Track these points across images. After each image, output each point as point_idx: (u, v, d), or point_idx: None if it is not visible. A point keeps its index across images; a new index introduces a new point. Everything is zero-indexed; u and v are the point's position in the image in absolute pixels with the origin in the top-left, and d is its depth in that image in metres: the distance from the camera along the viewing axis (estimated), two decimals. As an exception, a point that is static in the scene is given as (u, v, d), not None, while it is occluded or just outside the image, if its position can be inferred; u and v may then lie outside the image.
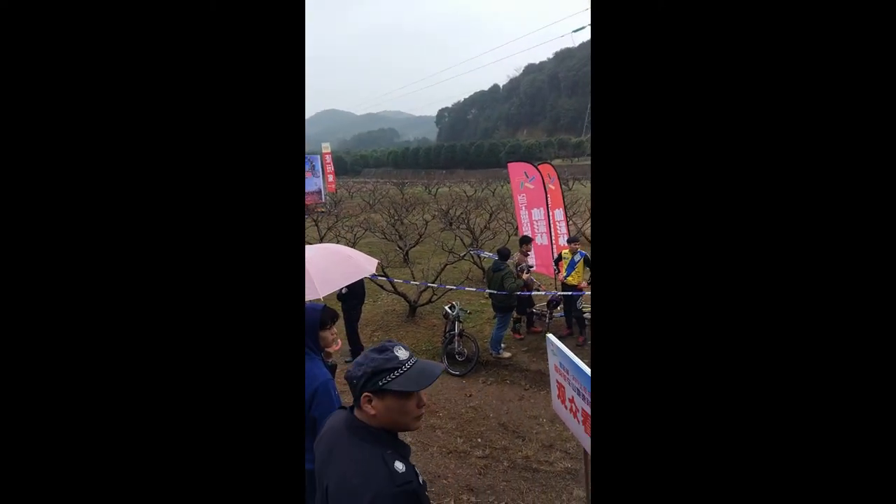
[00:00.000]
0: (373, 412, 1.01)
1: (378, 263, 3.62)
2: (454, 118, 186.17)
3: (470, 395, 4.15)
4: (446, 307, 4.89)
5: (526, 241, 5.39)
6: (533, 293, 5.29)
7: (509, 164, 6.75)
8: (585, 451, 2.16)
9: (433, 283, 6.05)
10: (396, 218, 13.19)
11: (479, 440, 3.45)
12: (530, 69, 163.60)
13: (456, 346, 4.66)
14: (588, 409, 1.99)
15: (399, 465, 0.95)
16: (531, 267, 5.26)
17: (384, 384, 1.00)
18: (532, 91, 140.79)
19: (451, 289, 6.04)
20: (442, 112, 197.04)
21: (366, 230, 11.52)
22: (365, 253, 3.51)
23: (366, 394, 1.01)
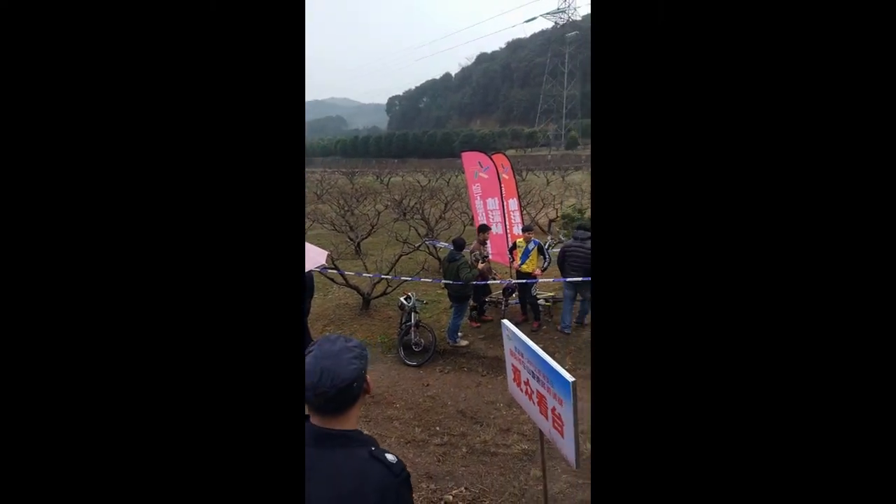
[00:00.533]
0: (368, 393, 1.03)
1: (328, 255, 3.50)
2: (405, 106, 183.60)
3: (427, 385, 4.16)
4: (402, 298, 4.85)
5: (484, 229, 5.43)
6: (489, 282, 5.36)
7: (463, 154, 6.74)
8: (541, 432, 2.22)
9: (387, 274, 5.97)
10: (346, 209, 12.85)
11: (438, 428, 3.47)
12: (482, 58, 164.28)
13: (413, 336, 4.64)
14: (543, 392, 2.04)
15: (390, 457, 0.94)
16: (486, 256, 5.33)
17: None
18: (485, 81, 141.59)
19: (407, 280, 5.99)
20: (392, 100, 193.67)
21: (313, 221, 11.12)
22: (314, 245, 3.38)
23: (365, 384, 1.01)
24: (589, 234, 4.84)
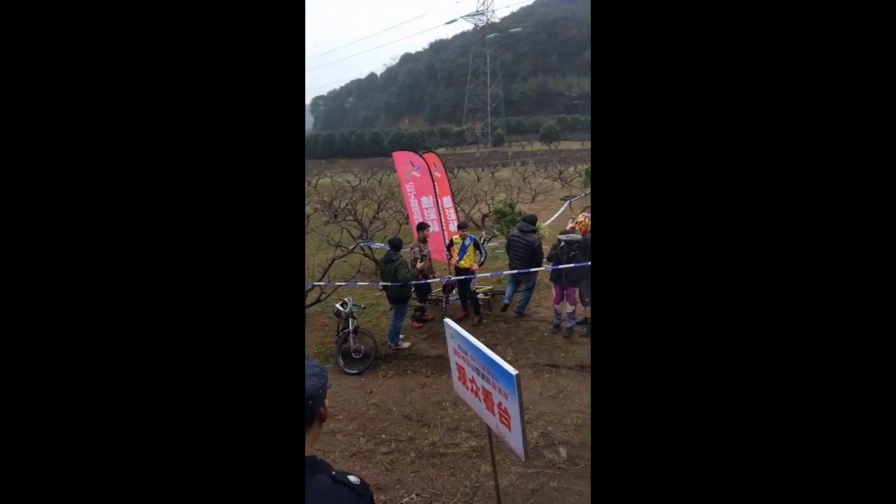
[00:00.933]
0: (324, 419, 1.00)
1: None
2: (331, 107, 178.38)
3: (370, 392, 4.01)
4: (337, 304, 4.63)
5: (423, 227, 5.36)
6: (430, 280, 5.32)
7: (394, 153, 6.61)
8: (489, 428, 2.21)
9: (320, 281, 5.67)
10: (274, 213, 12.06)
11: (384, 436, 3.36)
12: (407, 59, 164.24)
13: (352, 343, 4.45)
14: (488, 388, 2.03)
15: (353, 479, 0.91)
16: (426, 255, 5.27)
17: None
18: (410, 80, 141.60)
19: (342, 285, 5.74)
20: (317, 100, 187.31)
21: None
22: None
23: (322, 408, 0.98)
24: (532, 227, 4.99)
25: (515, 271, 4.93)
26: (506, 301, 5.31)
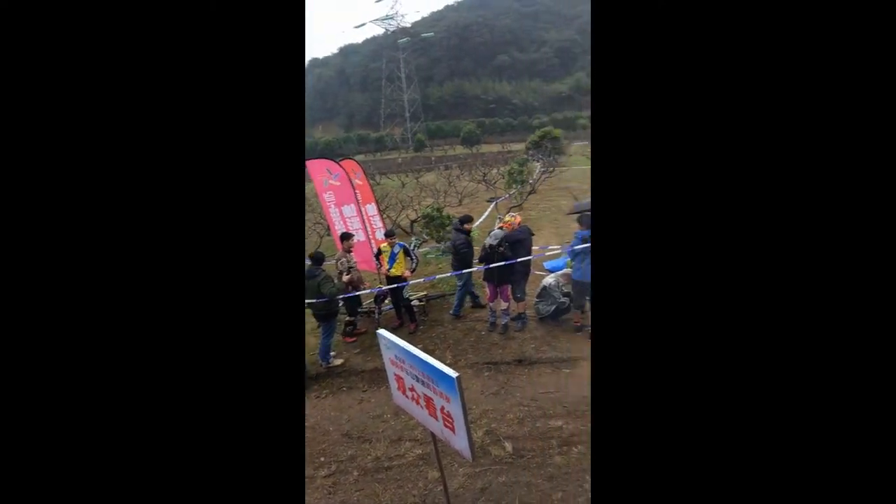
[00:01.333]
0: None
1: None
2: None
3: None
4: (261, 326, 4.29)
5: (347, 237, 5.17)
6: (361, 292, 5.14)
7: (308, 163, 6.30)
8: (433, 434, 2.19)
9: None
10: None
11: (322, 459, 3.18)
12: (315, 63, 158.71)
13: (280, 366, 4.15)
14: (429, 394, 2.00)
15: None
16: (352, 266, 5.09)
17: None
18: (321, 86, 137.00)
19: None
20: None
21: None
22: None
23: None
24: (460, 226, 5.03)
25: (450, 273, 4.97)
26: (474, 302, 5.43)
